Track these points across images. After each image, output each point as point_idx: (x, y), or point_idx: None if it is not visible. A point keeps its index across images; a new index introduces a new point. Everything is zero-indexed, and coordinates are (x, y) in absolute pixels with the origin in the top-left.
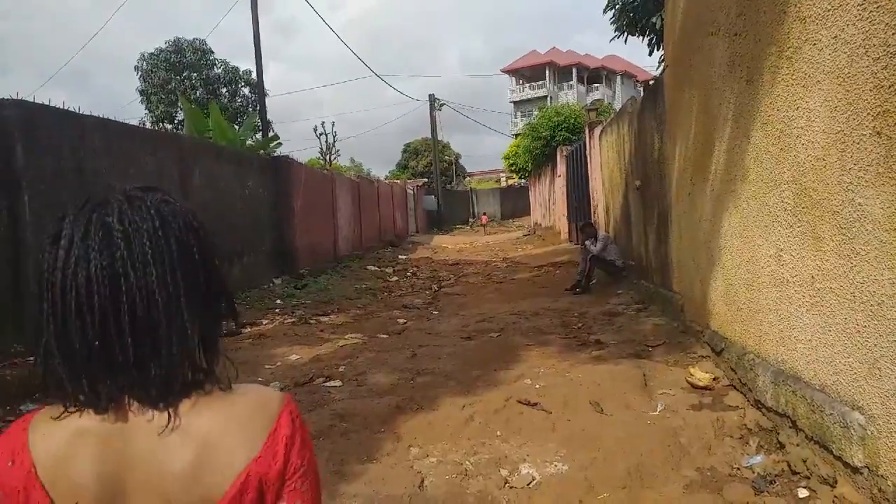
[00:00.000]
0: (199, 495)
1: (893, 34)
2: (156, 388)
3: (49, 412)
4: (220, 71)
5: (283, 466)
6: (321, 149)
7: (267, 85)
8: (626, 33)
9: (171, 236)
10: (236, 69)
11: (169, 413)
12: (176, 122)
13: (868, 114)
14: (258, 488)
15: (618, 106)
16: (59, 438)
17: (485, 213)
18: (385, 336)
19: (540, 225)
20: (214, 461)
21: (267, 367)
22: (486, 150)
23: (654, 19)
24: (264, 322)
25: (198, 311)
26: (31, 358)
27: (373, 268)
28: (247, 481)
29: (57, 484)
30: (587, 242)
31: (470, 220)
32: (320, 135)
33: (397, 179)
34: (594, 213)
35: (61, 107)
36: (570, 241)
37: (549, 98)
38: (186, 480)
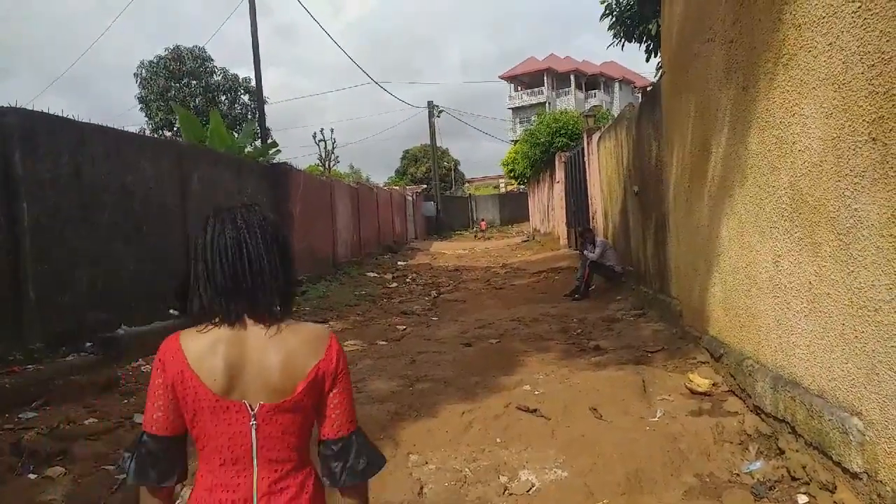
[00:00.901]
0: (283, 379)
1: (888, 41)
2: (261, 311)
3: (193, 330)
4: (219, 78)
5: (335, 367)
6: (320, 155)
7: (267, 91)
8: (623, 40)
9: (267, 228)
10: (236, 77)
11: (267, 320)
12: (175, 129)
13: (863, 120)
14: (321, 378)
15: (616, 112)
16: (203, 342)
17: (483, 220)
18: (384, 343)
19: (539, 231)
20: (295, 362)
21: None
22: (484, 156)
23: (650, 26)
24: None
25: (281, 272)
26: (30, 366)
27: (372, 274)
28: (317, 372)
29: (202, 367)
30: (586, 249)
31: (474, 227)
32: (319, 141)
33: (396, 186)
34: (592, 218)
35: (60, 114)
36: (569, 247)
37: (547, 104)
38: (278, 371)
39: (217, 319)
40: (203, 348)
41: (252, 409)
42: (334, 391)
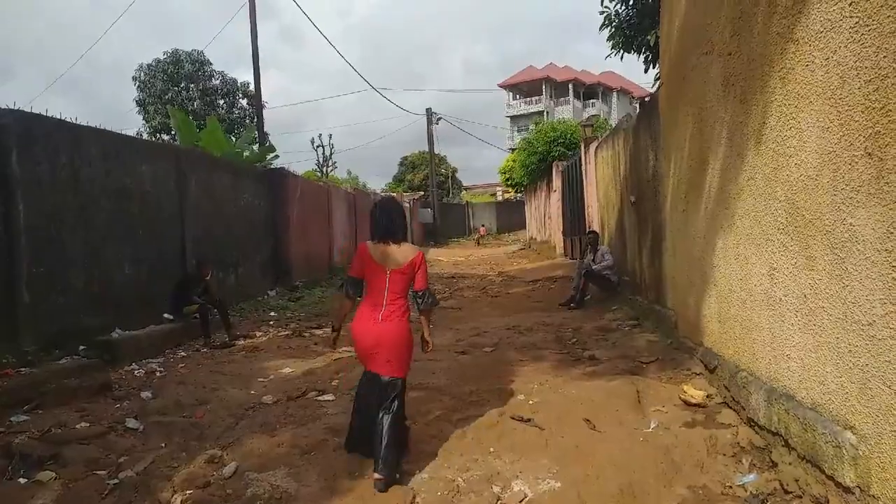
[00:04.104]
0: (400, 261)
1: (884, 57)
2: (397, 238)
3: (369, 241)
4: (217, 82)
5: (419, 260)
6: (318, 160)
7: (267, 95)
8: (622, 50)
9: (399, 208)
10: (234, 81)
11: (398, 243)
12: (173, 133)
13: (859, 135)
14: (414, 264)
15: (614, 122)
16: (372, 246)
17: (483, 226)
18: None
19: (535, 239)
20: (405, 255)
21: (260, 380)
22: (482, 163)
23: (649, 37)
24: (258, 334)
25: (402, 226)
26: (23, 369)
27: None
28: (413, 261)
29: (372, 254)
30: (586, 255)
31: (474, 234)
32: (317, 147)
33: (394, 192)
34: (589, 228)
35: (59, 116)
36: (566, 256)
37: (545, 113)
38: (398, 258)
39: (377, 240)
40: (373, 247)
41: (387, 271)
42: (419, 271)
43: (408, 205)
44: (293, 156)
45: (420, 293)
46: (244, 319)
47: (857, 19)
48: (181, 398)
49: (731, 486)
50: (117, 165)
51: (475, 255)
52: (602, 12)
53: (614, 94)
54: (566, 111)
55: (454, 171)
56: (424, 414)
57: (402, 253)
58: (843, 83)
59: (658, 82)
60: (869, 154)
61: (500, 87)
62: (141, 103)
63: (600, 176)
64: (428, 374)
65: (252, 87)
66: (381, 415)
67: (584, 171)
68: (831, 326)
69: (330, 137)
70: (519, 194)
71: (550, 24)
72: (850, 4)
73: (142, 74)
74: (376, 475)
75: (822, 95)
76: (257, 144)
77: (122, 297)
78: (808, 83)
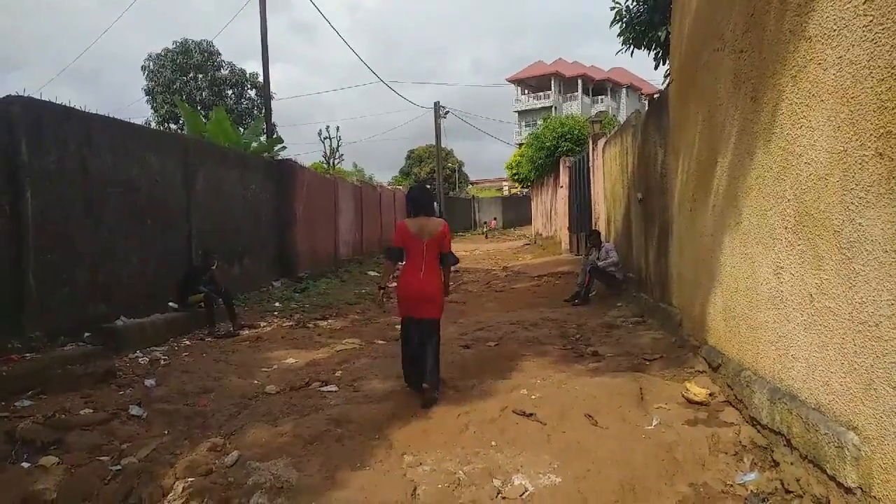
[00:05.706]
0: (432, 231)
1: None
2: (429, 214)
3: (408, 218)
4: (226, 73)
5: (446, 230)
6: (325, 153)
7: (277, 87)
8: (632, 47)
9: (430, 192)
10: (243, 71)
11: (429, 217)
12: (181, 122)
13: (871, 134)
14: (442, 233)
15: (622, 118)
16: (410, 221)
17: (494, 219)
18: (383, 342)
19: (541, 234)
20: (436, 227)
21: (263, 370)
22: (489, 158)
23: (660, 33)
24: (262, 325)
25: (432, 205)
26: (28, 355)
27: (373, 273)
28: (442, 231)
29: (410, 227)
30: (590, 253)
31: (483, 227)
32: (324, 139)
33: (400, 186)
34: (595, 224)
35: (67, 104)
36: (571, 252)
37: (553, 108)
38: (431, 229)
39: (412, 216)
40: (410, 222)
41: (423, 240)
42: (444, 240)
43: None
44: (300, 147)
45: (446, 254)
46: (249, 310)
47: (870, 17)
48: (185, 386)
49: (732, 485)
50: (126, 155)
51: (480, 249)
52: (613, 8)
53: (623, 90)
54: (574, 107)
55: (461, 165)
56: (427, 406)
57: (433, 225)
58: (855, 82)
59: (668, 79)
60: (880, 154)
61: (509, 81)
62: (149, 92)
63: (608, 172)
64: None
65: (261, 77)
66: (426, 346)
67: (591, 168)
68: (837, 326)
69: (337, 130)
70: (525, 189)
71: (558, 24)
72: (863, 2)
73: (151, 64)
74: (426, 386)
75: (833, 94)
76: (265, 136)
77: (127, 285)
78: (820, 82)
